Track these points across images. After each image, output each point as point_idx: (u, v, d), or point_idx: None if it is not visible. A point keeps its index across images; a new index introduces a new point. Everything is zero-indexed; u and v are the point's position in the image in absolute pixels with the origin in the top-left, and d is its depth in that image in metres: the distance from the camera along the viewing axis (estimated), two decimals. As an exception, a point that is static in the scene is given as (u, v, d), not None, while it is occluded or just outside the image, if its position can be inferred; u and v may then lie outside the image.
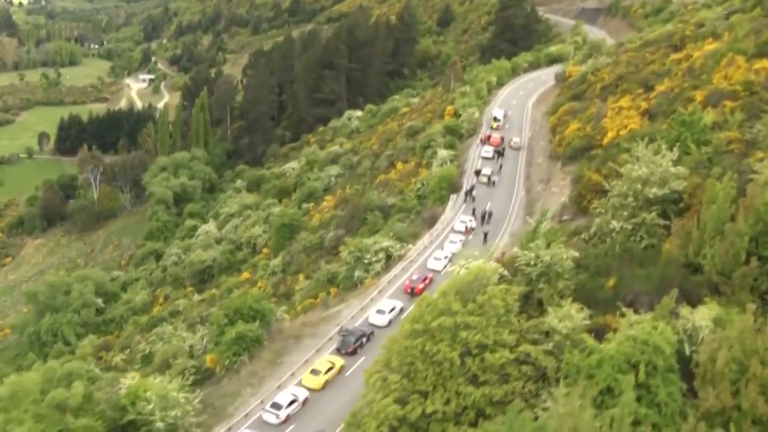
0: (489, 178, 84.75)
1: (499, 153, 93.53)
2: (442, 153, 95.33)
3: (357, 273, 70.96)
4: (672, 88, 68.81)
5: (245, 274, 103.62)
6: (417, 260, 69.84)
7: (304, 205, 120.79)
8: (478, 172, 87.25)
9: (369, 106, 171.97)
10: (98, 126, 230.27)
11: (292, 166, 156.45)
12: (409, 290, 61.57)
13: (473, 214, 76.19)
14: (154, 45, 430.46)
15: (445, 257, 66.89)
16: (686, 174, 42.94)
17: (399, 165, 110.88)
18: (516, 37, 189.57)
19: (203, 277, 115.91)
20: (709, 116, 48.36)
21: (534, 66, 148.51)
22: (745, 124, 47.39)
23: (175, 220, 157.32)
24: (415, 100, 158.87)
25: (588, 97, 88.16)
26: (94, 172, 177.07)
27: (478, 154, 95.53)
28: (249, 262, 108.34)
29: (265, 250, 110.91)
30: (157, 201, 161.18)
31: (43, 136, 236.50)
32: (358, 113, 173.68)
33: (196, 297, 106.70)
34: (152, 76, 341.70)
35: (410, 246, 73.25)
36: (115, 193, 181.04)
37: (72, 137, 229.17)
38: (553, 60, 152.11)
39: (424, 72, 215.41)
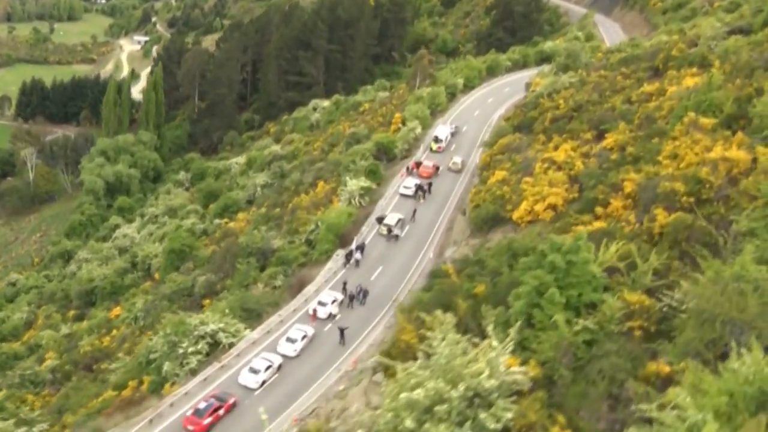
0: (390, 231, 65.22)
1: (422, 189, 73.70)
2: (352, 184, 75.82)
3: (167, 367, 52.55)
4: (617, 145, 48.73)
5: (116, 310, 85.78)
6: (248, 353, 51.45)
7: (216, 221, 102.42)
8: (380, 220, 67.78)
9: (336, 96, 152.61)
10: (62, 94, 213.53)
11: (238, 161, 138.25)
12: (188, 427, 42.91)
13: (343, 289, 56.92)
14: (159, 4, 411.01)
15: (267, 367, 48.17)
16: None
17: (320, 185, 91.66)
18: (515, 27, 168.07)
19: (90, 299, 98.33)
20: (613, 251, 28.00)
21: (519, 65, 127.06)
22: (660, 285, 26.97)
23: (103, 215, 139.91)
24: (385, 94, 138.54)
25: (536, 130, 67.92)
26: (30, 151, 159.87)
27: (395, 189, 75.83)
28: (130, 292, 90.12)
29: (157, 276, 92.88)
30: (86, 191, 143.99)
31: (4, 100, 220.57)
32: (325, 103, 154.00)
33: (63, 329, 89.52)
34: (147, 39, 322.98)
35: (245, 332, 54.47)
36: (54, 174, 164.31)
37: (33, 104, 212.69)
38: (545, 58, 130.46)
39: (416, 57, 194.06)
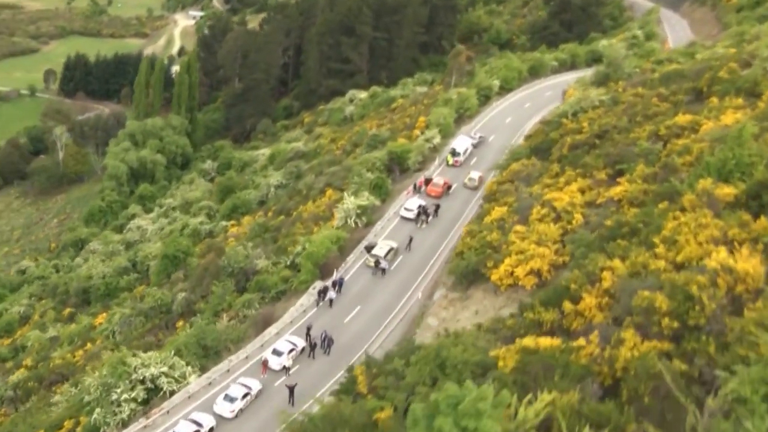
0: (376, 263, 58.45)
1: (425, 213, 66.58)
2: (349, 202, 69.20)
3: (96, 414, 47.33)
4: (626, 198, 40.89)
5: (102, 317, 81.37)
6: (182, 408, 45.71)
7: (223, 223, 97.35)
8: (369, 249, 61.08)
9: (374, 88, 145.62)
10: (104, 70, 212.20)
11: (265, 153, 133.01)
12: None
13: (307, 335, 50.58)
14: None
15: (194, 434, 42.28)
16: None
17: (328, 193, 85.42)
18: (573, 20, 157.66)
19: (87, 298, 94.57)
20: (532, 415, 19.94)
21: (566, 66, 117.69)
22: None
23: (124, 202, 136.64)
24: (423, 89, 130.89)
25: (552, 156, 60.05)
26: (61, 129, 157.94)
27: (396, 210, 68.99)
28: (121, 296, 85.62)
29: (151, 280, 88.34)
30: (109, 176, 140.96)
31: (50, 74, 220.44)
32: (363, 95, 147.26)
33: (51, 331, 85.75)
34: (202, 14, 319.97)
35: (191, 378, 48.70)
36: (84, 154, 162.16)
37: (76, 79, 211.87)
38: (598, 59, 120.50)
39: (467, 47, 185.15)
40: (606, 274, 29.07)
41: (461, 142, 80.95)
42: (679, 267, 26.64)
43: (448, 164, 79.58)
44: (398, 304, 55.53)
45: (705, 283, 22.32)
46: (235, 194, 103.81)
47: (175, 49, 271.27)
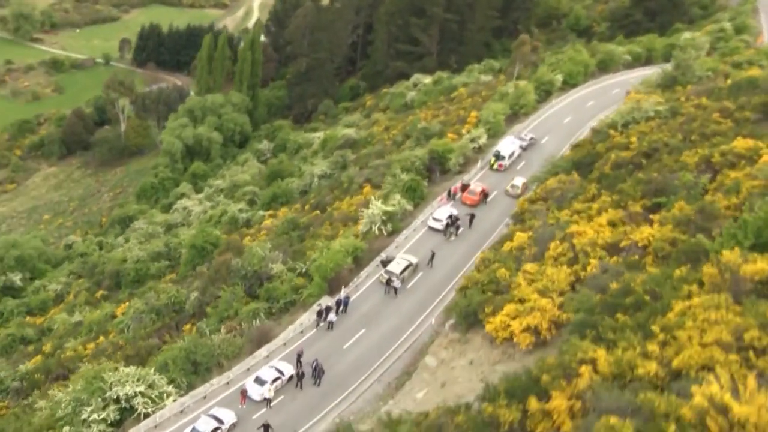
0: (388, 282, 53.57)
1: (455, 224, 61.26)
2: (375, 207, 64.31)
3: (65, 434, 44.38)
4: (652, 246, 34.75)
5: (124, 306, 79.08)
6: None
7: (261, 213, 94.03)
8: (385, 263, 56.22)
9: (438, 74, 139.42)
10: (176, 41, 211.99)
11: (320, 136, 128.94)
12: None
13: (297, 362, 46.30)
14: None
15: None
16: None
17: (366, 190, 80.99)
18: (657, 9, 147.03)
19: (119, 282, 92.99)
20: None
21: (641, 61, 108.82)
22: None
23: (177, 179, 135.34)
24: (488, 78, 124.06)
25: (593, 174, 53.66)
26: (124, 101, 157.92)
27: (424, 219, 63.82)
28: (147, 285, 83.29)
29: (180, 270, 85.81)
30: (164, 152, 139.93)
31: (125, 43, 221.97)
32: (427, 79, 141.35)
33: (76, 316, 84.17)
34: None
35: (168, 400, 45.18)
36: (145, 127, 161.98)
37: (149, 49, 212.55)
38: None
39: (544, 33, 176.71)
40: (585, 369, 23.35)
41: (507, 145, 74.67)
42: (674, 375, 20.75)
43: (491, 168, 73.61)
44: (408, 329, 50.77)
45: (690, 420, 16.52)
46: (278, 182, 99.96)
47: (251, 22, 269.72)
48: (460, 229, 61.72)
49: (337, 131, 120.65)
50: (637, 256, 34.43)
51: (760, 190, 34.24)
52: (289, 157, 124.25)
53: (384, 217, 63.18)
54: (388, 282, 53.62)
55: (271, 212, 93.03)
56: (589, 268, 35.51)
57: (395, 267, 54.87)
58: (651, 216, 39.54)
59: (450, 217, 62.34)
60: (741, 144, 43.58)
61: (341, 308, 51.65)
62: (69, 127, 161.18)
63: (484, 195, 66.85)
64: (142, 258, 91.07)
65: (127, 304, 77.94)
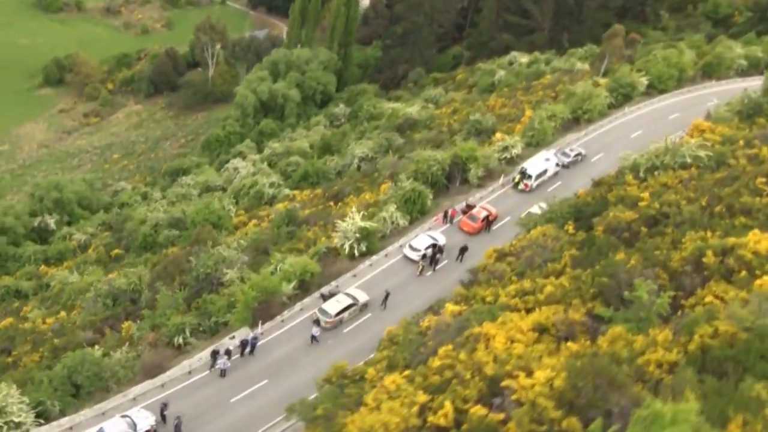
0: (317, 322, 45.13)
1: (435, 255, 51.62)
2: (349, 222, 55.50)
3: None
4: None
5: (112, 276, 74.15)
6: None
7: (286, 191, 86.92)
8: (325, 298, 47.69)
9: (535, 55, 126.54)
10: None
11: (394, 107, 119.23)
12: None
13: (161, 414, 38.91)
14: None
15: None
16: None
17: (384, 186, 72.17)
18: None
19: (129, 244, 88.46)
20: None
21: (761, 67, 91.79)
22: None
23: (244, 135, 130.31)
24: (583, 67, 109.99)
25: (581, 237, 42.24)
26: (210, 47, 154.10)
27: (402, 243, 54.39)
28: (144, 257, 78.35)
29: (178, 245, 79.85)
30: (236, 105, 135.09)
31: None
32: (524, 59, 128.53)
33: (74, 275, 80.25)
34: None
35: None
36: (233, 75, 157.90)
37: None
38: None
39: (675, 19, 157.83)
40: None
41: (538, 161, 63.25)
42: None
43: (515, 187, 62.27)
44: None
45: None
46: (316, 159, 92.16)
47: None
48: (442, 263, 51.65)
49: (402, 106, 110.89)
50: (503, 416, 23.79)
51: (718, 344, 22.80)
52: (354, 128, 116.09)
53: (357, 235, 53.84)
54: (317, 323, 44.82)
55: (295, 192, 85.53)
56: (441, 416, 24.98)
57: (331, 306, 45.94)
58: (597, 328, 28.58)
59: (433, 246, 52.30)
60: (754, 240, 31.12)
61: (247, 350, 43.41)
62: (159, 66, 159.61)
63: (487, 222, 56.22)
64: (161, 222, 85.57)
65: (109, 275, 73.08)
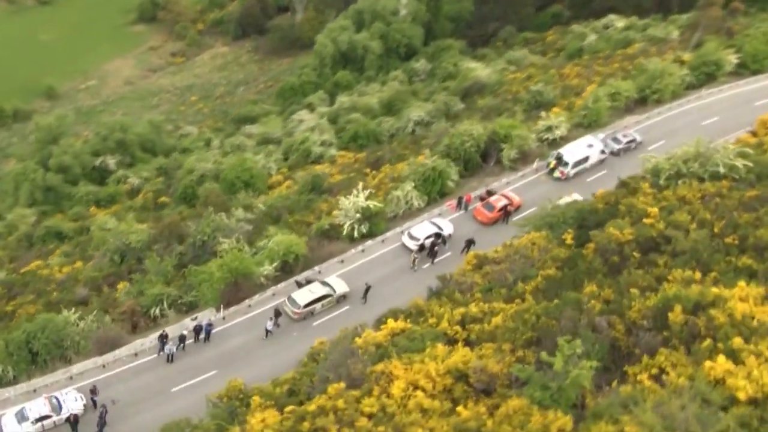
0: (276, 314, 42.17)
1: (433, 246, 47.46)
2: (353, 201, 51.86)
3: None
4: None
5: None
6: None
7: (332, 152, 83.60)
8: (300, 285, 44.59)
9: (632, 19, 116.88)
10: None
11: (472, 67, 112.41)
12: None
13: (91, 398, 37.09)
14: None
15: None
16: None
17: (421, 157, 67.53)
18: None
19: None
20: None
21: None
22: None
23: (320, 85, 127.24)
24: (676, 34, 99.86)
25: (567, 254, 37.13)
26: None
27: (402, 229, 50.26)
28: (174, 207, 77.35)
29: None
30: (315, 53, 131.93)
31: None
32: (621, 23, 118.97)
33: (112, 222, 79.67)
34: None
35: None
36: (321, 22, 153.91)
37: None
38: None
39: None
40: None
41: (579, 147, 57.09)
42: None
43: (551, 174, 56.36)
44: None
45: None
46: (365, 121, 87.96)
47: None
48: (444, 255, 47.18)
49: (479, 68, 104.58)
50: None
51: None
52: (426, 87, 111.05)
53: (360, 215, 49.86)
54: (276, 314, 41.56)
55: (342, 153, 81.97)
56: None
57: (301, 296, 42.49)
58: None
59: (436, 236, 47.77)
60: (738, 296, 24.99)
61: (201, 336, 40.72)
62: (247, 9, 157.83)
63: (505, 212, 50.89)
64: (207, 174, 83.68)
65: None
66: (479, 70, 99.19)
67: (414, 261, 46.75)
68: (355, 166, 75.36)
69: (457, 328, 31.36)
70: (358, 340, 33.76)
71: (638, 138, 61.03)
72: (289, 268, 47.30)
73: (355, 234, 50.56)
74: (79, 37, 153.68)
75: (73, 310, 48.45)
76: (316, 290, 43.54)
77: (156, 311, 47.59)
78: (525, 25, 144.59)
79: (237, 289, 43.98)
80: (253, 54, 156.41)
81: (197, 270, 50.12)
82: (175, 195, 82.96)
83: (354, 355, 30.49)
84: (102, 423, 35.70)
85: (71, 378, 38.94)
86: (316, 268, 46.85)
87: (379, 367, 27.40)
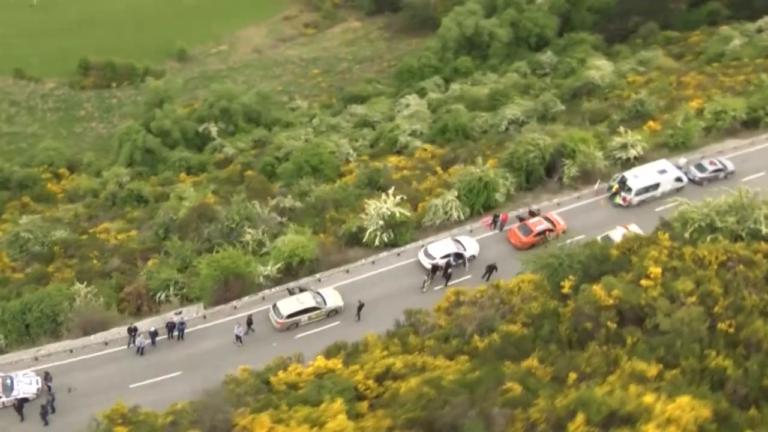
0: (249, 322, 40.31)
1: (446, 269, 43.93)
2: (381, 205, 49.09)
3: None
4: None
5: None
6: None
7: (416, 144, 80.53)
8: (291, 293, 42.43)
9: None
10: None
11: (599, 65, 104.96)
12: None
13: (45, 380, 36.90)
14: None
15: None
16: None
17: (492, 162, 63.51)
18: None
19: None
20: None
21: None
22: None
23: (438, 69, 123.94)
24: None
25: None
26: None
27: (420, 245, 46.88)
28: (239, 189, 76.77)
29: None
30: (438, 36, 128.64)
31: None
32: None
33: (189, 192, 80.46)
34: None
35: None
36: (458, 1, 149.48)
37: None
38: None
39: None
40: None
41: (647, 172, 50.85)
42: None
43: (613, 200, 50.64)
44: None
45: None
46: (459, 114, 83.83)
47: None
48: (465, 277, 43.51)
49: (600, 66, 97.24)
50: None
51: None
52: (539, 81, 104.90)
53: (380, 221, 46.75)
54: (249, 322, 39.45)
55: (426, 146, 78.50)
56: None
57: (287, 305, 40.14)
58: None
59: (456, 256, 43.99)
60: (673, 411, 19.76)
61: (175, 333, 39.33)
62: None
63: (542, 236, 46.06)
64: (292, 153, 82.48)
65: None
66: (597, 69, 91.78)
67: (424, 283, 43.02)
68: (431, 163, 71.80)
69: (371, 383, 27.76)
70: (277, 376, 30.96)
71: (730, 167, 53.61)
72: (294, 271, 45.05)
73: (377, 242, 47.45)
74: (222, 2, 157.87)
75: (85, 283, 48.63)
76: (304, 301, 41.00)
77: (162, 296, 46.85)
78: (672, 23, 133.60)
79: (227, 288, 42.24)
80: (383, 31, 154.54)
81: (215, 257, 48.97)
82: (256, 170, 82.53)
83: (226, 399, 27.71)
84: (45, 411, 35.11)
85: (36, 359, 38.74)
86: (317, 275, 44.24)
87: (245, 420, 24.55)
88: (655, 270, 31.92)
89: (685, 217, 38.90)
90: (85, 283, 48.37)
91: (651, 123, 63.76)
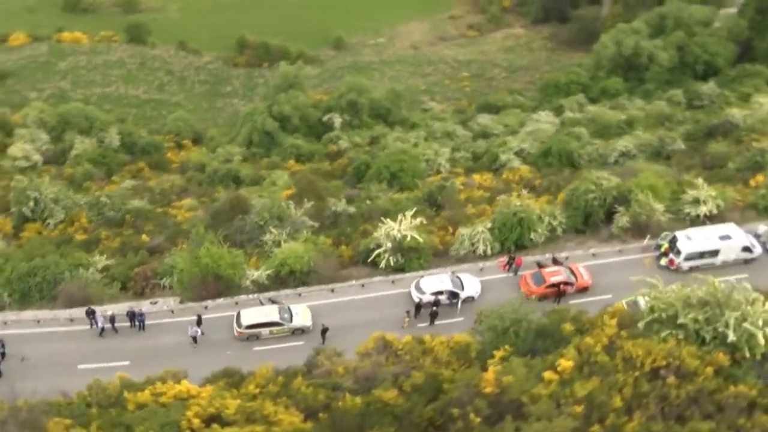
0: (193, 338, 39.77)
1: (434, 309, 41.26)
2: (393, 226, 47.03)
3: None
4: None
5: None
6: None
7: (514, 164, 76.85)
8: (262, 304, 41.54)
9: None
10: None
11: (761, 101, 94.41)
12: None
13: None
14: None
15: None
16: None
17: (560, 196, 59.56)
18: None
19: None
20: None
21: None
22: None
23: (587, 88, 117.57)
24: None
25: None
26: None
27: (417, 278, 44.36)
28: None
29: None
30: (594, 53, 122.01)
31: None
32: None
33: (285, 178, 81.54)
34: None
35: None
36: (629, 18, 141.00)
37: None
38: None
39: None
40: None
41: (704, 236, 44.39)
42: None
43: (659, 261, 44.95)
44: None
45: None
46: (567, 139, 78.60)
47: None
48: (456, 319, 40.45)
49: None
50: None
51: None
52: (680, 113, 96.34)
53: (388, 244, 44.39)
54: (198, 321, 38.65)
55: (518, 167, 74.35)
56: None
57: (249, 315, 39.02)
58: None
59: (451, 294, 40.89)
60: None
61: (137, 323, 39.37)
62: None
63: (557, 290, 41.59)
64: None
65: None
66: (754, 107, 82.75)
67: (407, 322, 39.93)
68: (513, 186, 67.77)
69: (197, 423, 25.43)
70: (143, 391, 29.49)
71: None
72: (281, 280, 43.64)
73: (382, 264, 44.92)
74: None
75: (105, 256, 50.02)
76: (269, 314, 39.46)
77: (166, 282, 47.19)
78: None
79: (205, 287, 41.60)
80: (547, 41, 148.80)
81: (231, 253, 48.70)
82: (348, 168, 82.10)
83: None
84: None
85: (5, 323, 40.13)
86: (299, 290, 42.46)
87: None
88: (566, 363, 27.10)
89: (647, 305, 32.97)
90: (105, 256, 49.74)
91: (760, 177, 55.89)
